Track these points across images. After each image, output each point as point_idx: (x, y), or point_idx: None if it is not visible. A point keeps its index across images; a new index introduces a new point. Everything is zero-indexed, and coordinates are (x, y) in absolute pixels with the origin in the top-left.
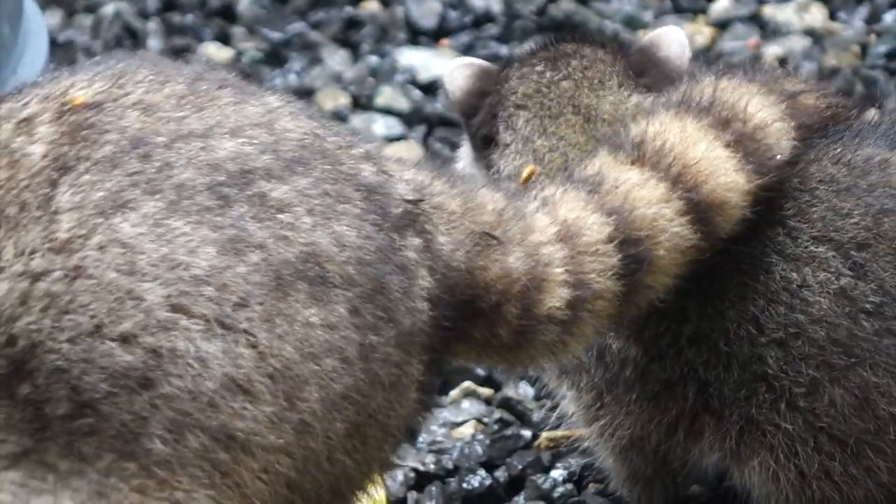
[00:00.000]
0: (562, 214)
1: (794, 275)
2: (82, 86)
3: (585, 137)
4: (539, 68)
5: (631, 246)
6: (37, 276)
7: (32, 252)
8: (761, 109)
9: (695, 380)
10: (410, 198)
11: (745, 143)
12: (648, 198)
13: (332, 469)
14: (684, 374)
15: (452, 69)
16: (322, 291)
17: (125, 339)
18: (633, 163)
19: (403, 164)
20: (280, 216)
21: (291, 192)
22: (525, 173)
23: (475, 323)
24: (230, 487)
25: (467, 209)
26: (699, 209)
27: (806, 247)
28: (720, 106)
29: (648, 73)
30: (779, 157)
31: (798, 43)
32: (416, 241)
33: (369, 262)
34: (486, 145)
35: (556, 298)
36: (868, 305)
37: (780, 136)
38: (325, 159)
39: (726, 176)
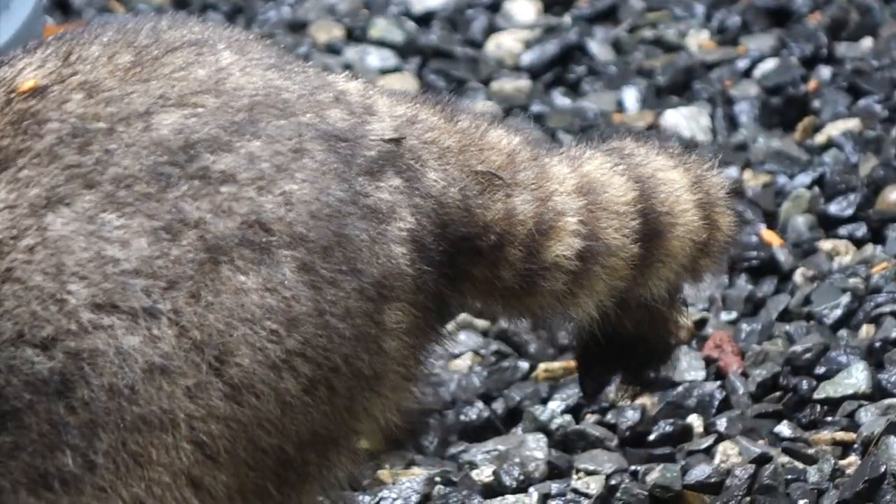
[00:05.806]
0: (586, 170)
1: None
2: (35, 67)
3: None
4: None
5: (651, 214)
6: None
7: None
8: None
9: None
10: (389, 136)
11: None
12: (677, 181)
13: (297, 424)
14: None
15: None
16: (265, 255)
17: (45, 346)
18: (657, 154)
19: (398, 99)
20: (222, 188)
21: (237, 159)
22: None
23: (475, 262)
24: (149, 469)
25: (465, 146)
26: (707, 213)
27: None
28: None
29: None
30: None
31: None
32: (396, 181)
33: (325, 216)
34: None
35: (564, 246)
36: None
37: None
38: (280, 113)
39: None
